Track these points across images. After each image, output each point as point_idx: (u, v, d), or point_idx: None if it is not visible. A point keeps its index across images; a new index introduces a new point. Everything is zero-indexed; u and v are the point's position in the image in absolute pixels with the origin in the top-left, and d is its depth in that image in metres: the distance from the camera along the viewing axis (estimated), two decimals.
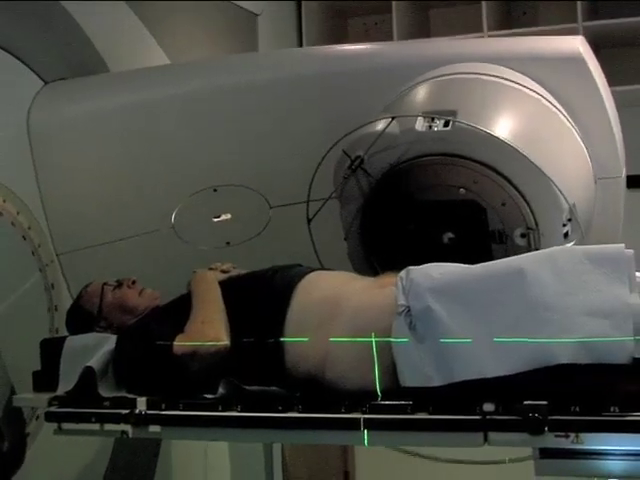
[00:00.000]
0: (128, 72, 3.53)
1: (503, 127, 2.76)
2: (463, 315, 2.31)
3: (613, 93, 5.05)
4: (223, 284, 2.70)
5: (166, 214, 3.03)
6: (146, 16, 4.01)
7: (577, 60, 2.85)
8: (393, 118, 2.85)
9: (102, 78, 3.47)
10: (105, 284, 2.88)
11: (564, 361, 2.18)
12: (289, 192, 3.02)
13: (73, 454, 3.30)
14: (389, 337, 2.36)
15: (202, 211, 3.17)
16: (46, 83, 3.36)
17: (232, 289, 2.67)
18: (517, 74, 2.92)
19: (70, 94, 3.35)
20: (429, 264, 2.50)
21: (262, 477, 4.57)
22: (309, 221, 2.93)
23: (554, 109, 2.89)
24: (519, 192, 2.73)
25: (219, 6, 4.68)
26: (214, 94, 3.20)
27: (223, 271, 2.80)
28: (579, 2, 5.03)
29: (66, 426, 2.65)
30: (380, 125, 2.86)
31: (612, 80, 5.22)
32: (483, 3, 5.15)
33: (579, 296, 2.24)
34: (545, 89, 2.90)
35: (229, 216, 3.12)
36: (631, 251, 2.33)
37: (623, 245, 2.34)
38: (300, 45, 5.49)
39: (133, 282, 2.88)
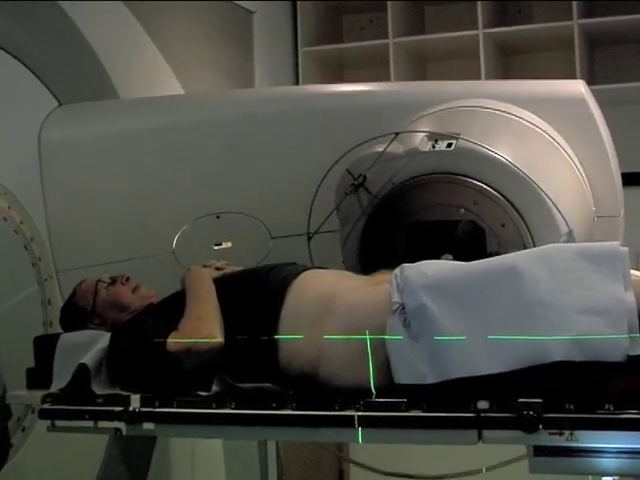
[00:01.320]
0: (136, 100, 3.64)
1: (505, 152, 2.81)
2: (457, 312, 2.30)
3: (607, 91, 5.09)
4: (217, 281, 2.69)
5: (168, 238, 3.05)
6: (141, 14, 4.01)
7: (579, 101, 2.96)
8: (397, 134, 2.89)
9: (112, 104, 3.56)
10: (99, 281, 2.87)
11: (558, 359, 2.18)
12: (292, 220, 3.05)
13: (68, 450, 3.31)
14: (383, 335, 2.36)
15: (203, 238, 3.20)
16: (60, 104, 3.46)
17: (226, 286, 2.66)
18: (522, 110, 2.98)
19: (81, 117, 3.45)
20: (423, 262, 2.50)
21: (257, 473, 4.56)
22: (309, 238, 2.95)
23: (556, 144, 2.95)
24: (519, 214, 2.76)
25: (214, 4, 4.68)
26: (218, 124, 3.30)
27: (217, 268, 2.80)
28: (574, 1, 5.03)
29: (60, 423, 2.65)
30: (383, 144, 2.91)
31: (607, 78, 5.27)
32: (478, 2, 5.16)
33: (573, 293, 2.24)
34: (548, 127, 2.97)
35: (230, 244, 3.14)
36: (626, 249, 2.32)
37: (618, 243, 2.34)
38: (295, 43, 5.49)
39: (127, 279, 2.87)
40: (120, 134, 3.40)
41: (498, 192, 2.77)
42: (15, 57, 3.30)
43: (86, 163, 3.38)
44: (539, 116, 2.96)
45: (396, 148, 2.90)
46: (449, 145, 2.83)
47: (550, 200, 2.72)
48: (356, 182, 2.90)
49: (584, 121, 2.97)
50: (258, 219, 3.02)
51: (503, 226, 2.75)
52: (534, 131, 2.95)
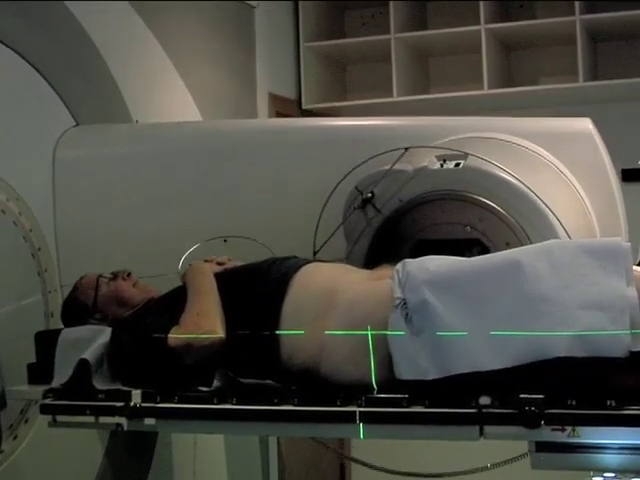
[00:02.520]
0: (148, 125, 3.81)
1: (512, 175, 2.86)
2: (459, 308, 2.30)
3: (609, 87, 5.09)
4: (219, 276, 2.69)
5: (174, 260, 3.08)
6: (143, 11, 4.02)
7: (587, 136, 3.05)
8: (406, 149, 2.91)
9: (125, 128, 3.71)
10: (100, 276, 2.87)
11: (560, 354, 2.18)
12: (298, 242, 3.08)
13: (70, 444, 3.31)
14: (385, 330, 2.36)
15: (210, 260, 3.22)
16: (77, 124, 3.55)
17: (228, 281, 2.66)
18: (531, 143, 3.04)
19: (96, 138, 3.55)
20: (425, 257, 2.50)
21: (258, 470, 4.57)
22: (314, 254, 2.97)
23: (563, 175, 3.00)
24: (525, 233, 2.78)
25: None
26: (227, 150, 3.40)
27: (219, 263, 2.80)
28: None
29: (61, 418, 2.65)
30: (393, 160, 2.95)
31: (609, 74, 5.26)
32: None
33: (576, 289, 2.24)
34: (555, 159, 3.03)
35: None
36: (628, 244, 2.33)
37: (620, 238, 2.34)
38: (297, 38, 5.49)
39: (128, 274, 2.88)
40: (132, 157, 3.50)
41: (504, 210, 2.81)
42: (42, 76, 3.43)
43: (98, 183, 3.45)
44: (548, 148, 3.04)
45: (405, 167, 2.94)
46: (457, 165, 2.88)
47: (556, 218, 2.74)
48: (364, 196, 2.94)
49: (591, 155, 3.05)
50: (264, 244, 3.06)
51: (507, 245, 2.77)
52: (543, 161, 3.01)
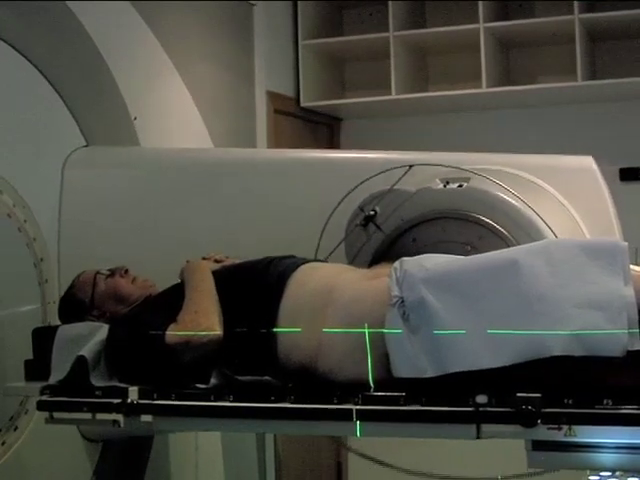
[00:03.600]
0: (152, 149, 3.91)
1: (514, 199, 2.91)
2: (457, 306, 2.30)
3: (608, 86, 5.10)
4: (217, 274, 2.69)
5: (176, 280, 3.10)
6: (143, 8, 4.02)
7: (590, 171, 3.12)
8: (411, 167, 2.94)
9: (133, 151, 3.83)
10: (98, 273, 2.87)
11: (557, 353, 2.18)
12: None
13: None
14: (382, 328, 2.36)
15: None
16: (86, 145, 3.63)
17: (225, 279, 2.66)
18: (535, 178, 3.11)
19: (104, 159, 3.65)
20: (423, 255, 2.50)
21: (255, 468, 4.57)
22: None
23: (564, 207, 3.05)
24: None
25: None
26: (227, 176, 3.49)
27: (217, 260, 2.80)
28: None
29: (58, 415, 2.65)
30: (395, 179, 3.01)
31: (607, 73, 5.26)
32: None
33: (573, 288, 2.24)
34: (556, 192, 3.10)
35: None
36: (625, 243, 2.33)
37: (618, 237, 2.34)
38: (295, 35, 5.49)
39: (126, 271, 2.87)
40: (134, 178, 3.58)
41: (504, 230, 2.86)
42: (42, 73, 3.47)
43: (101, 201, 3.51)
44: (551, 182, 3.11)
45: (408, 187, 2.99)
46: (460, 186, 2.94)
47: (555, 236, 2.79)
48: (366, 213, 2.99)
49: (593, 189, 3.11)
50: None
51: None
52: (547, 192, 3.07)
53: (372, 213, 2.97)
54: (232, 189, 3.43)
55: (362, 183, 3.02)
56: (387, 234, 2.97)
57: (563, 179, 3.12)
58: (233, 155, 3.82)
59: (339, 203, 3.04)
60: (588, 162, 3.15)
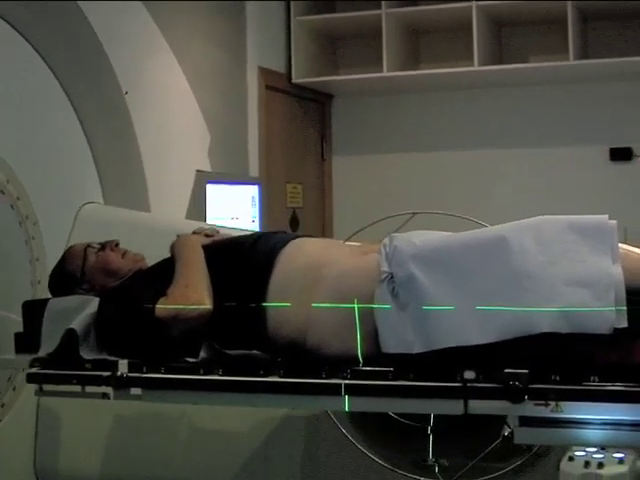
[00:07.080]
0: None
1: None
2: (445, 282, 2.31)
3: (600, 65, 5.10)
4: (207, 248, 2.69)
5: None
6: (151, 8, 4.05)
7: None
8: (414, 214, 2.91)
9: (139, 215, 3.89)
10: (88, 246, 2.86)
11: (545, 330, 2.19)
12: None
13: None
14: (371, 303, 2.37)
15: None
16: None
17: (216, 253, 2.66)
18: None
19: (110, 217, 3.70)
20: (412, 232, 2.50)
21: None
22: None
23: None
24: None
25: None
26: None
27: (207, 235, 2.80)
28: None
29: (47, 388, 2.65)
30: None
31: (599, 53, 5.27)
32: None
33: (561, 265, 2.25)
34: None
35: None
36: (614, 222, 2.33)
37: (607, 216, 2.35)
38: (288, 12, 5.48)
39: (116, 245, 2.87)
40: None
41: None
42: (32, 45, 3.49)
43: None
44: None
45: None
46: None
47: None
48: None
49: None
50: None
51: None
52: None
53: None
54: None
55: (360, 231, 2.95)
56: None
57: None
58: None
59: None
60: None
